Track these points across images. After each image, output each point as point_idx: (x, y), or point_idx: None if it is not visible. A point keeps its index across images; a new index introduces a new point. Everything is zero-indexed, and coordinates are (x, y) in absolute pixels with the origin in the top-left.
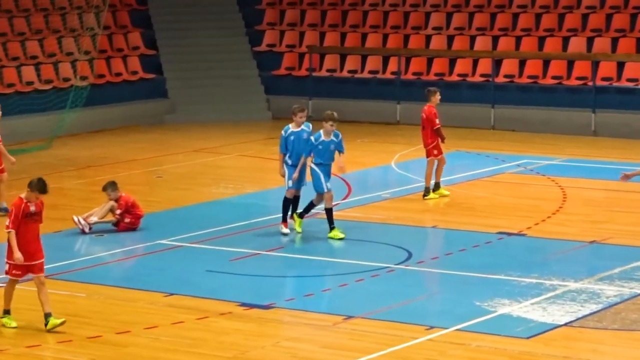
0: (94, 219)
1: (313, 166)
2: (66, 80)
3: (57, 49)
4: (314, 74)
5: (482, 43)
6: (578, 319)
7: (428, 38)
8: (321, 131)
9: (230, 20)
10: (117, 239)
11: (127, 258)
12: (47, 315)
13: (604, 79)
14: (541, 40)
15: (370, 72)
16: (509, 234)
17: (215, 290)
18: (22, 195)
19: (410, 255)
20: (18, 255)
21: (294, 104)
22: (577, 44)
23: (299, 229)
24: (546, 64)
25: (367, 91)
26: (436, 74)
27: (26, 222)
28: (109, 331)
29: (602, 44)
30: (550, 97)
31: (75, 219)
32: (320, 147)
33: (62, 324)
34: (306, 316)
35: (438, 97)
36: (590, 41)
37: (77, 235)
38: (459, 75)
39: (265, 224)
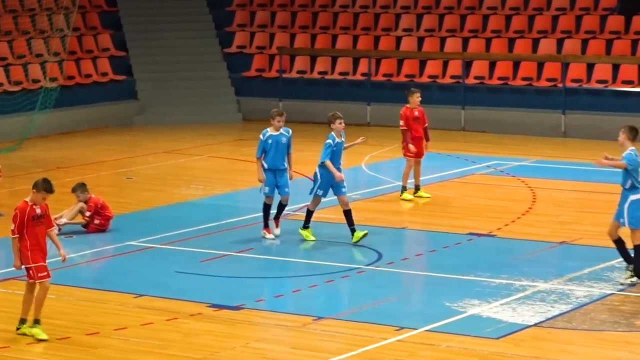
0: (63, 220)
1: (318, 170)
2: (35, 81)
3: (26, 51)
4: (284, 75)
5: (452, 45)
6: (547, 319)
7: (398, 39)
8: (332, 133)
9: (201, 21)
10: (87, 241)
11: (96, 259)
12: (36, 321)
13: (573, 81)
14: (511, 42)
15: (340, 73)
16: (479, 235)
17: (185, 291)
18: (27, 199)
19: (380, 256)
20: (18, 263)
21: (264, 105)
22: (547, 46)
23: (311, 238)
24: (516, 65)
25: (337, 92)
26: (406, 76)
27: (34, 225)
28: (78, 332)
29: (572, 45)
30: (520, 98)
31: None
32: (335, 149)
33: (40, 338)
34: (276, 317)
35: (415, 98)
36: (560, 43)
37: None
38: (429, 76)
39: (235, 225)
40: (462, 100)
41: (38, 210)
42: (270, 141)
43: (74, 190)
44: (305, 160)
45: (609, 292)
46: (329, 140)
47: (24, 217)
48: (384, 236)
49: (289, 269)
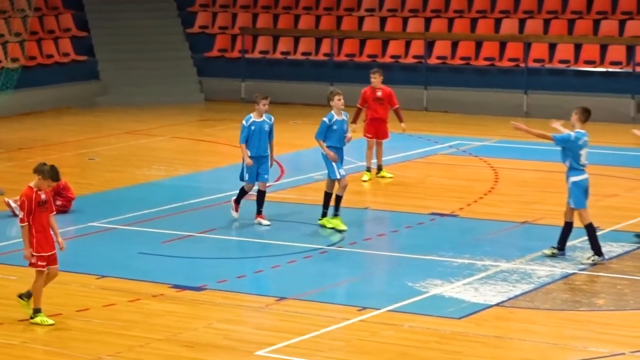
0: None
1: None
2: None
3: None
4: (247, 55)
5: (415, 25)
6: (510, 299)
7: (361, 20)
8: (332, 111)
9: (163, 1)
10: None
11: None
12: (37, 310)
13: (535, 61)
14: (473, 22)
15: (303, 53)
16: (442, 215)
17: (147, 272)
18: (32, 184)
19: (343, 236)
20: (27, 252)
21: (227, 85)
22: (509, 26)
23: (343, 227)
24: (478, 45)
25: (300, 73)
26: (369, 56)
27: (40, 211)
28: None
29: (534, 25)
30: (483, 78)
31: (7, 201)
32: (335, 127)
33: (50, 324)
34: (238, 298)
35: (373, 78)
36: (522, 23)
37: (8, 218)
38: (391, 56)
39: (197, 206)
40: (425, 81)
41: (43, 196)
42: (253, 128)
43: (35, 171)
44: None
45: (570, 271)
46: (325, 119)
47: (32, 204)
48: (346, 216)
49: (251, 249)
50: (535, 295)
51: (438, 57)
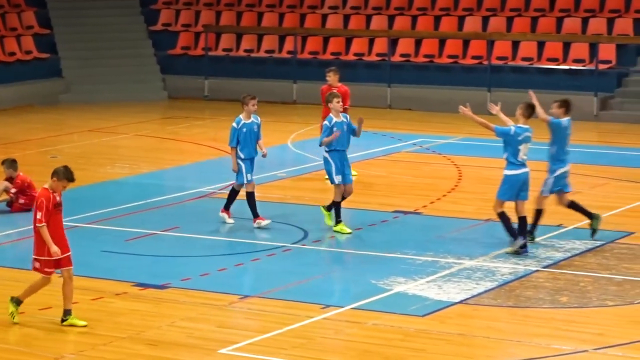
0: None
1: (326, 155)
2: None
3: None
4: (210, 53)
5: (378, 22)
6: (473, 296)
7: (324, 17)
8: (331, 114)
9: None
10: (11, 220)
11: (21, 239)
12: (67, 312)
13: (499, 58)
14: (437, 20)
15: (266, 51)
16: (405, 213)
17: (110, 270)
18: (46, 186)
19: (306, 234)
20: (55, 249)
21: (190, 83)
22: (472, 24)
23: (347, 230)
24: (442, 43)
25: (263, 70)
26: (332, 53)
27: (55, 212)
28: (2, 312)
29: (497, 23)
30: (446, 76)
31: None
32: (335, 129)
33: (83, 326)
34: (202, 296)
35: (328, 76)
36: (485, 20)
37: None
38: (355, 54)
39: (161, 204)
40: (388, 78)
41: (58, 198)
42: (245, 130)
43: (3, 162)
44: None
45: (534, 269)
46: (326, 122)
47: (50, 205)
48: (310, 214)
49: (215, 247)
50: (499, 293)
51: (401, 55)
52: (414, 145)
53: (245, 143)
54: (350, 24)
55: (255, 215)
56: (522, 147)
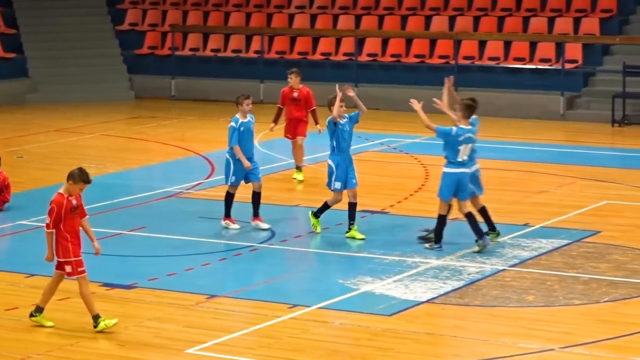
0: None
1: (329, 161)
2: None
3: None
4: (177, 53)
5: (345, 22)
6: (440, 295)
7: (291, 17)
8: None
9: None
10: None
11: None
12: (96, 317)
13: (465, 58)
14: (404, 19)
15: (233, 51)
16: (372, 212)
17: None
18: (61, 190)
19: (273, 234)
20: (50, 256)
21: (157, 83)
22: (439, 23)
23: (318, 229)
24: (409, 42)
25: (230, 70)
26: (299, 53)
27: (72, 217)
28: None
29: (464, 22)
30: (413, 75)
31: None
32: (340, 128)
33: (50, 326)
34: (169, 296)
35: (289, 78)
36: (452, 20)
37: None
38: (322, 54)
39: (128, 203)
40: (355, 78)
41: (74, 202)
42: (242, 129)
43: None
44: (198, 138)
45: (500, 268)
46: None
47: (61, 211)
48: (277, 214)
49: (182, 247)
50: (466, 292)
51: (368, 55)
52: (381, 145)
53: (242, 143)
54: (317, 23)
55: (256, 215)
56: (462, 148)
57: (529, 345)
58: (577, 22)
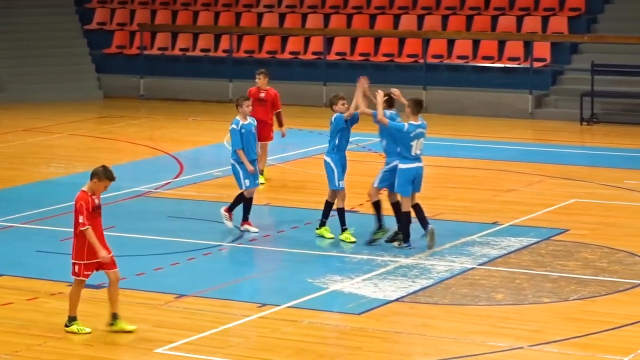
0: None
1: (327, 159)
2: None
3: None
4: (146, 52)
5: (314, 21)
6: (409, 294)
7: (260, 16)
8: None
9: None
10: None
11: None
12: (115, 316)
13: (434, 57)
14: (372, 18)
15: (202, 50)
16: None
17: (45, 270)
18: (85, 188)
19: (242, 233)
20: (104, 253)
21: (125, 82)
22: (408, 22)
23: (352, 239)
24: (377, 41)
25: (199, 69)
26: (268, 52)
27: (94, 216)
28: None
29: (432, 21)
30: (382, 74)
31: None
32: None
33: (130, 331)
34: (138, 295)
35: (257, 79)
36: (420, 19)
37: None
38: (290, 53)
39: None
40: (324, 77)
41: (97, 201)
42: (243, 131)
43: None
44: (167, 138)
45: (469, 266)
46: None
47: (90, 207)
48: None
49: (150, 246)
50: (435, 290)
51: (337, 54)
52: (349, 144)
53: (243, 145)
54: (285, 22)
55: (245, 219)
56: (414, 143)
57: (498, 344)
58: (545, 20)
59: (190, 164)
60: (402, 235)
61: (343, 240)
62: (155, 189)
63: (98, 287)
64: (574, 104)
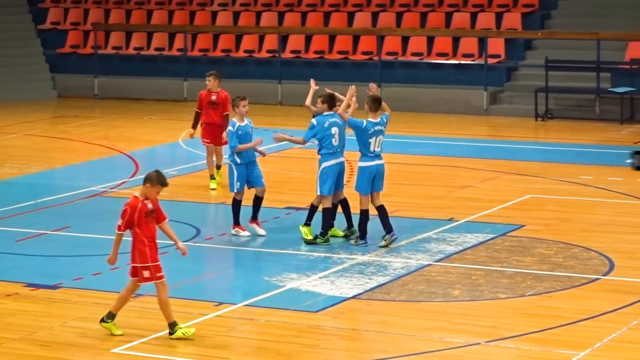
0: None
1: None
2: None
3: None
4: (100, 51)
5: (268, 19)
6: (366, 291)
7: (214, 14)
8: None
9: None
10: None
11: None
12: (172, 325)
13: (389, 54)
14: (327, 16)
15: (156, 49)
16: (297, 209)
17: (1, 271)
18: (137, 194)
19: (198, 232)
20: (112, 258)
21: (80, 82)
22: (362, 19)
23: (309, 237)
24: (332, 39)
25: (153, 68)
26: (222, 50)
27: (148, 221)
28: None
29: (386, 18)
30: (337, 72)
31: None
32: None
33: (190, 338)
34: (94, 295)
35: (207, 80)
36: (375, 16)
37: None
38: (245, 51)
39: (52, 203)
40: (279, 75)
41: (150, 205)
42: (240, 132)
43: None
44: (122, 137)
45: (426, 263)
46: (314, 121)
47: (134, 214)
48: (201, 212)
49: (106, 246)
50: (391, 287)
51: (292, 52)
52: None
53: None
54: (240, 21)
55: (254, 218)
56: (372, 140)
57: (455, 340)
58: (499, 17)
59: (145, 163)
60: (360, 232)
61: (301, 233)
62: (111, 189)
63: (54, 287)
64: (529, 100)
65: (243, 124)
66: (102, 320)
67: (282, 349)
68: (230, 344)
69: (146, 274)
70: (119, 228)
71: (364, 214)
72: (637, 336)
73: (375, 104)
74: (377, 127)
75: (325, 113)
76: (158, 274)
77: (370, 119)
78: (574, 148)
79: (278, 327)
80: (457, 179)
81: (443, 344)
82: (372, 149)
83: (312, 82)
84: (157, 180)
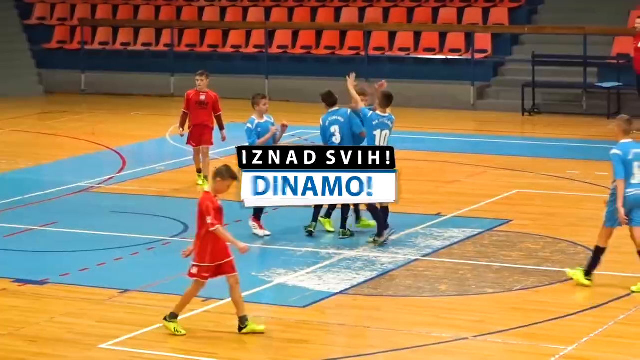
0: None
1: None
2: None
3: None
4: (87, 47)
5: (255, 14)
6: (353, 286)
7: (201, 10)
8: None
9: None
10: None
11: None
12: (244, 319)
13: (376, 49)
14: (314, 11)
15: (143, 44)
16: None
17: None
18: (208, 189)
19: (186, 227)
20: (242, 245)
21: (67, 77)
22: (349, 14)
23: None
24: (319, 34)
25: (140, 64)
26: (209, 46)
27: (218, 218)
28: None
29: (373, 14)
30: (324, 67)
31: None
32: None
33: (261, 332)
34: (81, 291)
35: (198, 80)
36: (362, 11)
37: None
38: (232, 46)
39: (39, 199)
40: (266, 70)
41: (219, 203)
42: (259, 129)
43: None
44: (109, 133)
45: (413, 258)
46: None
47: (216, 207)
48: (190, 207)
49: (94, 242)
50: (379, 282)
51: (279, 47)
52: (292, 137)
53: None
54: (227, 16)
55: (257, 217)
56: (376, 133)
57: (443, 335)
58: (486, 12)
59: (132, 158)
60: (378, 230)
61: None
62: (98, 184)
63: (41, 282)
64: (516, 95)
65: (263, 121)
66: (165, 319)
67: (269, 344)
68: (217, 340)
69: (193, 270)
70: (212, 225)
71: (373, 209)
72: (624, 330)
73: (385, 99)
74: (382, 120)
75: (329, 111)
76: (204, 274)
77: (377, 112)
78: (561, 143)
79: (265, 322)
80: (444, 174)
81: (430, 339)
82: (377, 142)
83: (351, 76)
84: (227, 174)
